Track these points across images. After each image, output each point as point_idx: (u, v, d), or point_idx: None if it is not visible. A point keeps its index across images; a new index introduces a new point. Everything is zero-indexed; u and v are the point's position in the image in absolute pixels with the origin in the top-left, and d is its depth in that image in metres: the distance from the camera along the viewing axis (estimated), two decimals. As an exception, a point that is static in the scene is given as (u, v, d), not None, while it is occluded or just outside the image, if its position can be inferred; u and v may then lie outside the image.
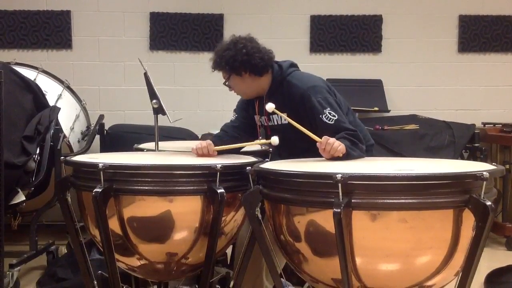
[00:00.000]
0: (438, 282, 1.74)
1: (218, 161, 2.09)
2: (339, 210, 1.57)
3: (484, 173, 1.62)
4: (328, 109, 2.40)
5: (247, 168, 2.00)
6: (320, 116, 2.39)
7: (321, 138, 2.24)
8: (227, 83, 2.62)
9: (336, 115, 2.38)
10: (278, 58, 4.87)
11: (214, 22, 4.67)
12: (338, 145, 2.20)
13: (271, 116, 2.60)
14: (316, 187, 1.70)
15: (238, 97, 2.75)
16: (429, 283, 1.73)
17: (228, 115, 2.80)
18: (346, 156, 2.23)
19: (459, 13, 4.78)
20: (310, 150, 2.31)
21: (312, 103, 2.42)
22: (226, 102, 4.70)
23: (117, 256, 2.02)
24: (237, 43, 2.55)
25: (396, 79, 4.72)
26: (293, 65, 2.66)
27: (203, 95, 4.72)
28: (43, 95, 3.49)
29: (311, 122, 2.42)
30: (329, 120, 2.38)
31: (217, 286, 2.29)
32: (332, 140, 2.20)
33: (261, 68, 2.56)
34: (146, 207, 1.98)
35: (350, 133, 2.34)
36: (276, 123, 2.59)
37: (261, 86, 2.60)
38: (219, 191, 1.94)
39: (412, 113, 4.55)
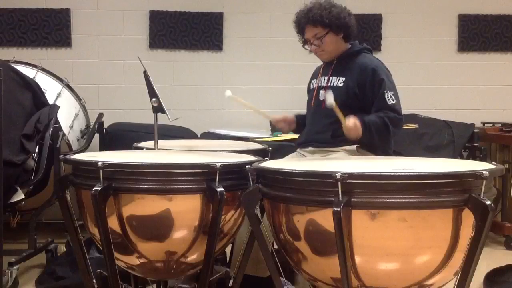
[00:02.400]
0: (438, 281, 1.74)
1: (218, 160, 2.09)
2: (338, 209, 1.57)
3: (484, 172, 1.62)
4: (393, 92, 2.63)
5: (247, 167, 2.00)
6: (385, 91, 2.62)
7: (371, 111, 2.59)
8: (321, 39, 2.73)
9: (395, 101, 2.62)
10: (277, 56, 4.88)
11: (213, 21, 4.66)
12: (353, 128, 2.46)
13: (330, 78, 2.75)
14: (315, 186, 1.69)
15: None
16: (429, 282, 1.72)
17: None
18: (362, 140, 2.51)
19: (458, 12, 4.78)
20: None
21: (382, 78, 2.65)
22: (225, 101, 4.70)
23: (116, 254, 2.02)
24: (336, 4, 2.75)
25: (396, 78, 4.66)
26: (371, 51, 2.87)
27: (202, 94, 4.71)
28: (42, 93, 3.48)
29: (368, 92, 2.64)
30: (388, 101, 2.61)
31: None
32: (351, 125, 2.46)
33: (351, 35, 2.78)
34: (146, 205, 1.98)
35: (390, 117, 2.57)
36: (333, 84, 2.73)
37: (340, 51, 2.79)
38: (218, 190, 1.93)
39: (412, 112, 4.54)
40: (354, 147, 2.62)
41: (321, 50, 2.77)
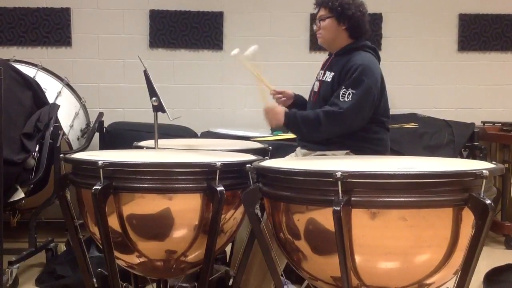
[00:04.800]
0: (437, 280, 1.75)
1: (218, 159, 2.09)
2: (338, 208, 1.57)
3: (484, 171, 1.62)
4: (355, 92, 2.47)
5: (247, 166, 2.00)
6: (344, 87, 2.50)
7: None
8: (320, 20, 2.72)
9: (349, 100, 2.46)
10: (277, 55, 4.89)
11: (214, 20, 4.66)
12: (274, 116, 2.54)
13: (325, 72, 2.73)
14: (315, 185, 1.69)
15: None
16: (428, 281, 1.73)
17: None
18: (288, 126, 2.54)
19: (459, 12, 4.78)
20: None
21: (354, 74, 2.52)
22: (225, 100, 4.70)
23: (116, 253, 2.02)
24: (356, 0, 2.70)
25: (396, 77, 4.72)
26: (375, 50, 2.75)
27: (202, 93, 4.71)
28: (43, 93, 3.48)
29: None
30: (341, 97, 2.49)
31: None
32: (274, 110, 2.54)
33: (359, 34, 2.71)
34: (146, 204, 1.98)
35: (326, 111, 2.50)
36: (324, 79, 2.72)
37: (340, 44, 2.73)
38: (218, 189, 1.93)
39: (412, 112, 4.54)
40: (343, 152, 2.61)
41: (319, 32, 2.76)
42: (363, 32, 2.74)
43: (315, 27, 2.80)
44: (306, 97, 2.94)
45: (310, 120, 2.51)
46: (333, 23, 2.69)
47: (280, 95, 2.90)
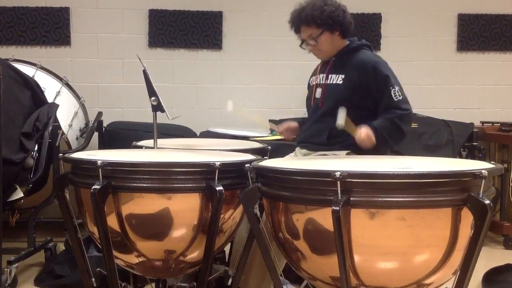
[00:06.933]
0: (436, 280, 1.75)
1: (217, 159, 2.09)
2: (337, 208, 1.57)
3: (483, 171, 1.62)
4: (398, 87, 2.60)
5: (246, 165, 2.00)
6: (391, 88, 2.59)
7: (378, 109, 2.59)
8: (315, 39, 2.71)
9: (402, 96, 2.60)
10: (276, 55, 4.88)
11: (213, 20, 4.66)
12: (367, 139, 2.48)
13: (329, 75, 2.73)
14: (314, 185, 1.69)
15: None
16: (427, 281, 1.73)
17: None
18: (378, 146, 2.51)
19: (458, 12, 4.78)
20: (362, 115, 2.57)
21: (386, 74, 2.62)
22: (224, 100, 4.69)
23: (115, 253, 2.02)
24: (330, 2, 2.70)
25: (395, 77, 4.72)
26: (371, 48, 2.84)
27: (201, 93, 4.71)
28: (42, 92, 3.48)
29: (373, 90, 2.61)
30: (395, 97, 2.59)
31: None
32: (364, 136, 2.47)
33: (349, 31, 2.75)
34: (145, 204, 1.98)
35: (398, 116, 2.57)
36: (332, 82, 2.72)
37: (338, 48, 2.75)
38: (217, 188, 1.94)
39: (411, 112, 4.54)
40: (344, 152, 2.61)
41: (317, 49, 2.76)
42: (352, 28, 2.78)
43: (309, 47, 2.76)
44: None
45: (390, 129, 2.55)
46: (328, 36, 2.71)
47: (285, 132, 2.97)
